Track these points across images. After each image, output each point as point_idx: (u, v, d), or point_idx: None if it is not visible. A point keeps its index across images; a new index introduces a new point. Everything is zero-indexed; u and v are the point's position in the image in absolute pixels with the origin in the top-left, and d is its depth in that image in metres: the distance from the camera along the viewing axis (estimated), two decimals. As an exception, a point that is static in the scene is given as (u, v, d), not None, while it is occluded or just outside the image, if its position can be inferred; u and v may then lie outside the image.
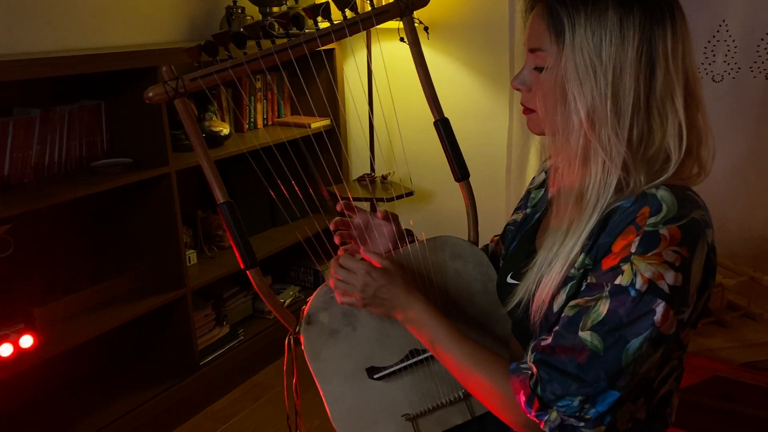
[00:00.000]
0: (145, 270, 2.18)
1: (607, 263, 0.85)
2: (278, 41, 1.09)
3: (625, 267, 0.83)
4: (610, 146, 0.86)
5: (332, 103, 2.70)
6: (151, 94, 1.06)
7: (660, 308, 0.81)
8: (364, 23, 1.11)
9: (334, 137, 2.69)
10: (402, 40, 1.17)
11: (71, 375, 2.20)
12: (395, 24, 1.18)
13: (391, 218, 1.17)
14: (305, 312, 1.11)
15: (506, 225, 1.22)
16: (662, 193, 0.84)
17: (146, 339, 2.29)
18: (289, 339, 1.12)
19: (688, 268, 0.82)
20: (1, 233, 1.82)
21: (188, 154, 2.22)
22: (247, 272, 1.10)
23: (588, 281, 0.88)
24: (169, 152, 2.05)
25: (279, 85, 2.76)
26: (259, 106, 2.67)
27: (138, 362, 2.31)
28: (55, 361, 1.90)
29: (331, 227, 1.16)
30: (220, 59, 1.07)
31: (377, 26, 1.12)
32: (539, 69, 0.91)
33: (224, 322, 2.46)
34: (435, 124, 1.19)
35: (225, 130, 2.33)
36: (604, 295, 0.84)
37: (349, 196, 2.16)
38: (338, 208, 1.16)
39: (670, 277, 0.81)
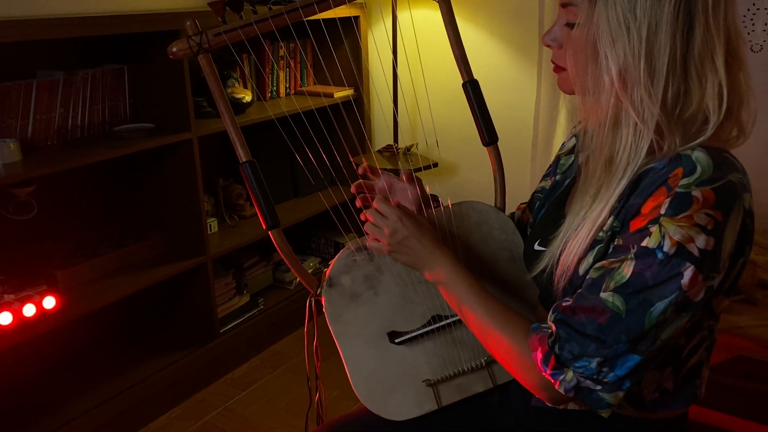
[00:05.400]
0: (166, 237, 2.18)
1: (635, 225, 0.82)
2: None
3: (653, 229, 0.80)
4: (643, 107, 0.82)
5: (357, 72, 2.67)
6: (174, 49, 1.05)
7: (688, 272, 0.78)
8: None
9: (358, 107, 2.66)
10: (431, -3, 1.13)
11: (92, 339, 2.22)
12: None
13: (416, 181, 1.15)
14: (327, 274, 1.10)
15: (534, 192, 1.19)
16: (698, 155, 0.81)
17: (167, 306, 2.30)
18: (310, 301, 1.11)
19: (720, 233, 0.79)
20: (24, 195, 1.83)
21: (210, 121, 2.21)
22: (269, 233, 1.09)
23: (615, 243, 0.85)
24: (192, 118, 2.04)
25: (302, 53, 2.73)
26: (281, 74, 2.65)
27: (158, 328, 2.32)
28: (77, 324, 1.91)
29: (353, 190, 1.13)
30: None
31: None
32: (570, 25, 0.87)
33: (244, 291, 2.47)
34: (464, 85, 1.15)
35: (247, 97, 2.31)
36: (629, 257, 0.81)
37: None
38: (360, 171, 1.13)
39: (701, 240, 0.78)
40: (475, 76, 1.15)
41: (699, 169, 0.79)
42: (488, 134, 1.16)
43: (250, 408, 2.12)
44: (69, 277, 1.91)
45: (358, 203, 1.13)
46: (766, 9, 1.79)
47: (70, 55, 2.01)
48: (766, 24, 1.80)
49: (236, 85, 2.33)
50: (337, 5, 1.07)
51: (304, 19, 1.06)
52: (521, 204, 1.26)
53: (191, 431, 2.02)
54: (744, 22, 1.83)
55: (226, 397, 2.17)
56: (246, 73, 2.50)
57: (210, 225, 2.36)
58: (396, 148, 2.56)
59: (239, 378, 2.28)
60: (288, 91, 2.70)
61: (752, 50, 1.82)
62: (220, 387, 2.23)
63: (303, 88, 2.73)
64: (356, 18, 2.62)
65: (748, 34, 1.83)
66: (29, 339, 1.72)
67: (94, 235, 2.14)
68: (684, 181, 0.79)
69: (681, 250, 0.78)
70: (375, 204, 1.04)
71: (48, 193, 1.93)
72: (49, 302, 1.74)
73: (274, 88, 2.65)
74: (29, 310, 1.70)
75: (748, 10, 1.81)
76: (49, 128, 1.90)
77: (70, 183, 2.04)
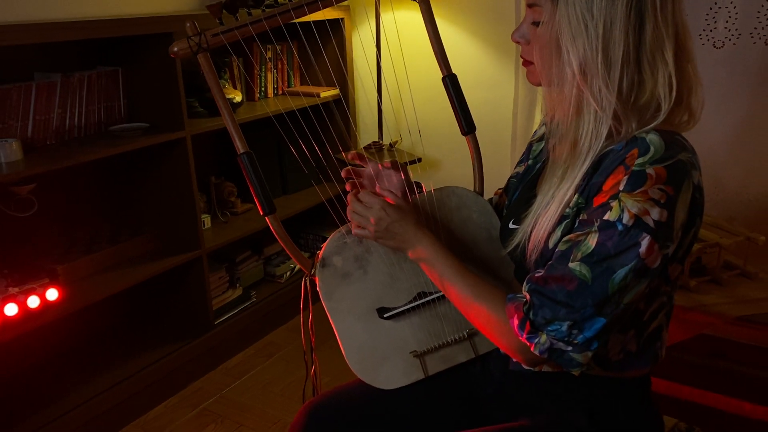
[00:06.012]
0: (162, 232, 2.26)
1: (598, 201, 0.92)
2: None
3: (614, 203, 0.89)
4: (601, 97, 0.91)
5: (341, 73, 2.76)
6: (175, 49, 1.13)
7: (645, 242, 0.88)
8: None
9: (343, 106, 2.75)
10: (411, -3, 1.23)
11: (92, 331, 2.29)
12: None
13: (400, 168, 1.24)
14: (320, 255, 1.19)
15: (509, 177, 1.29)
16: (651, 137, 0.91)
17: (163, 298, 2.38)
18: (305, 280, 1.20)
19: (673, 206, 0.89)
20: (25, 193, 1.90)
21: (203, 120, 2.29)
22: (266, 218, 1.18)
23: (580, 218, 0.94)
24: (185, 117, 2.12)
25: (289, 55, 2.82)
26: (269, 76, 2.73)
27: (156, 320, 2.40)
28: (78, 317, 1.99)
29: (343, 175, 1.23)
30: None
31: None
32: (536, 23, 0.97)
33: (237, 285, 2.55)
34: (443, 80, 1.25)
35: (238, 97, 2.39)
36: (593, 229, 0.91)
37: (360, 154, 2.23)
38: (349, 157, 1.23)
39: (655, 213, 0.88)
40: (457, 75, 1.25)
41: (652, 149, 0.90)
42: (466, 124, 1.25)
43: (245, 395, 2.20)
44: (69, 271, 1.99)
45: (348, 187, 1.22)
46: (727, 8, 1.91)
47: (67, 58, 2.09)
48: (727, 22, 1.92)
49: (226, 86, 2.41)
50: (325, 6, 1.16)
51: (295, 21, 1.15)
52: (498, 189, 1.36)
53: (189, 418, 2.10)
54: (707, 20, 1.94)
55: (222, 385, 2.25)
56: (236, 74, 2.59)
57: (203, 221, 2.44)
58: (381, 144, 2.65)
59: (234, 367, 2.36)
60: (276, 91, 2.78)
61: (714, 47, 1.93)
62: (216, 376, 2.31)
63: (291, 89, 2.81)
64: (341, 20, 2.71)
65: (711, 31, 1.94)
66: (33, 330, 1.79)
67: (93, 231, 2.22)
68: (639, 161, 0.89)
69: (638, 222, 0.88)
70: (358, 195, 1.13)
71: (48, 191, 2.00)
72: (52, 294, 1.82)
73: (263, 89, 2.73)
74: (33, 301, 1.77)
75: (710, 8, 1.93)
76: (48, 128, 1.97)
77: (69, 181, 2.12)
